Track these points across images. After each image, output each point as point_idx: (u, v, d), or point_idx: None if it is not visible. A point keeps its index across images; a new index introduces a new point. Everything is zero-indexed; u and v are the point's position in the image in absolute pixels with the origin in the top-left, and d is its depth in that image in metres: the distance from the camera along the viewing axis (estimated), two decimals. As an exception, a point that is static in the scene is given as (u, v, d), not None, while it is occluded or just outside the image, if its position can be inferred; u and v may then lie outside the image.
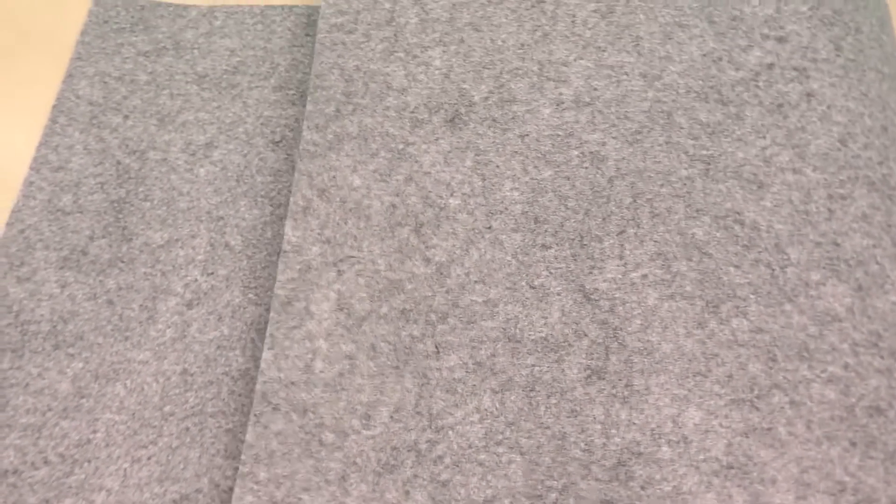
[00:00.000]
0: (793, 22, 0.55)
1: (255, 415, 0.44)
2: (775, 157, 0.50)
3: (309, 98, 0.54)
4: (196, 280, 0.52)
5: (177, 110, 0.59)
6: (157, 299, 0.51)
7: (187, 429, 0.47)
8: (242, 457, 0.43)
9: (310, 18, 0.63)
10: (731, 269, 0.47)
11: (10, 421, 0.47)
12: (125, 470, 0.46)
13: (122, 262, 0.52)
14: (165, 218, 0.54)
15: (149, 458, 0.46)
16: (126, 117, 0.58)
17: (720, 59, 0.54)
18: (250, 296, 0.51)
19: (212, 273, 0.52)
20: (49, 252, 0.52)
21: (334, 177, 0.51)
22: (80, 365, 0.49)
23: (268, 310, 0.50)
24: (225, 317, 0.50)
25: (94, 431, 0.47)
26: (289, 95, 0.59)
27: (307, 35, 0.62)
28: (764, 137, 0.51)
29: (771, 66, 0.53)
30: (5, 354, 0.49)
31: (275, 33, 0.63)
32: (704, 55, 0.54)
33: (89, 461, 0.46)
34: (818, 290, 0.46)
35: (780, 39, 0.54)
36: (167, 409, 0.47)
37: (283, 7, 0.64)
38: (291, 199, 0.50)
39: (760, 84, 0.53)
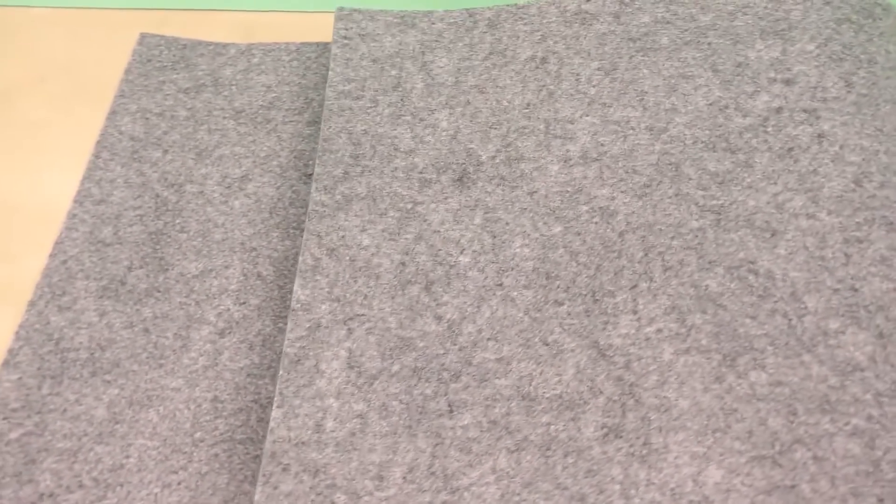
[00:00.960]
0: (800, 62, 0.53)
1: (265, 475, 0.42)
2: (788, 203, 0.48)
3: (317, 162, 0.53)
4: (229, 309, 0.52)
5: (214, 145, 0.59)
6: (191, 328, 0.51)
7: (216, 455, 0.47)
8: None
9: (343, 55, 0.65)
10: (747, 320, 0.45)
11: (47, 445, 0.47)
12: (156, 495, 0.46)
13: (159, 291, 0.53)
14: (201, 249, 0.55)
15: (179, 484, 0.46)
16: (165, 152, 0.59)
17: (726, 107, 0.52)
18: (280, 325, 0.52)
19: (244, 302, 0.53)
20: (89, 282, 0.53)
21: (343, 236, 0.50)
22: (116, 391, 0.49)
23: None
24: (256, 345, 0.51)
25: (128, 457, 0.47)
26: (322, 129, 0.60)
27: (340, 71, 0.63)
28: (775, 183, 0.49)
29: (779, 109, 0.51)
30: (45, 381, 0.49)
31: (310, 69, 0.64)
32: (710, 104, 0.52)
33: (122, 485, 0.46)
34: (838, 339, 0.44)
35: (788, 82, 0.52)
36: (198, 435, 0.48)
37: (317, 44, 0.65)
38: (300, 258, 0.49)
39: (769, 129, 0.51)
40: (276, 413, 0.44)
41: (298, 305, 0.48)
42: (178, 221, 0.55)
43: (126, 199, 0.56)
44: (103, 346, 0.50)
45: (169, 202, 0.56)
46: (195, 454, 0.47)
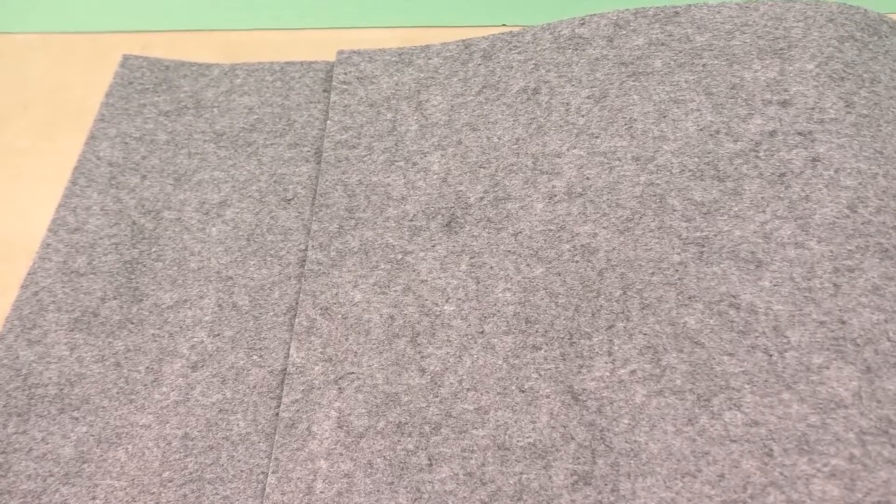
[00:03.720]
0: (798, 82, 0.50)
1: None
2: (776, 232, 0.46)
3: (314, 218, 0.53)
4: (202, 341, 0.50)
5: (193, 169, 0.58)
6: (164, 361, 0.50)
7: (185, 496, 0.45)
8: None
9: (328, 74, 0.62)
10: (725, 357, 0.43)
11: (10, 487, 0.45)
12: (121, 539, 0.44)
13: (132, 323, 0.51)
14: (176, 278, 0.53)
15: (145, 527, 0.45)
16: (144, 177, 0.57)
17: (717, 132, 0.50)
18: (255, 357, 0.49)
19: (218, 334, 0.51)
20: (61, 314, 0.52)
21: (336, 294, 0.50)
22: (84, 429, 0.48)
23: (271, 372, 0.49)
24: (228, 379, 0.49)
25: (94, 498, 0.45)
26: (303, 152, 0.58)
27: (324, 91, 0.61)
28: (763, 212, 0.47)
29: (773, 133, 0.49)
30: (11, 419, 0.47)
31: (293, 90, 0.62)
32: (701, 130, 0.50)
33: (87, 529, 0.45)
34: (821, 375, 0.42)
35: (784, 103, 0.50)
36: (166, 474, 0.46)
37: (302, 63, 0.64)
38: (297, 319, 0.49)
39: (761, 154, 0.49)
40: (271, 479, 0.45)
41: (294, 369, 0.48)
42: (154, 250, 0.54)
43: (102, 226, 0.55)
44: (73, 382, 0.49)
45: (145, 230, 0.54)
46: (162, 495, 0.45)
